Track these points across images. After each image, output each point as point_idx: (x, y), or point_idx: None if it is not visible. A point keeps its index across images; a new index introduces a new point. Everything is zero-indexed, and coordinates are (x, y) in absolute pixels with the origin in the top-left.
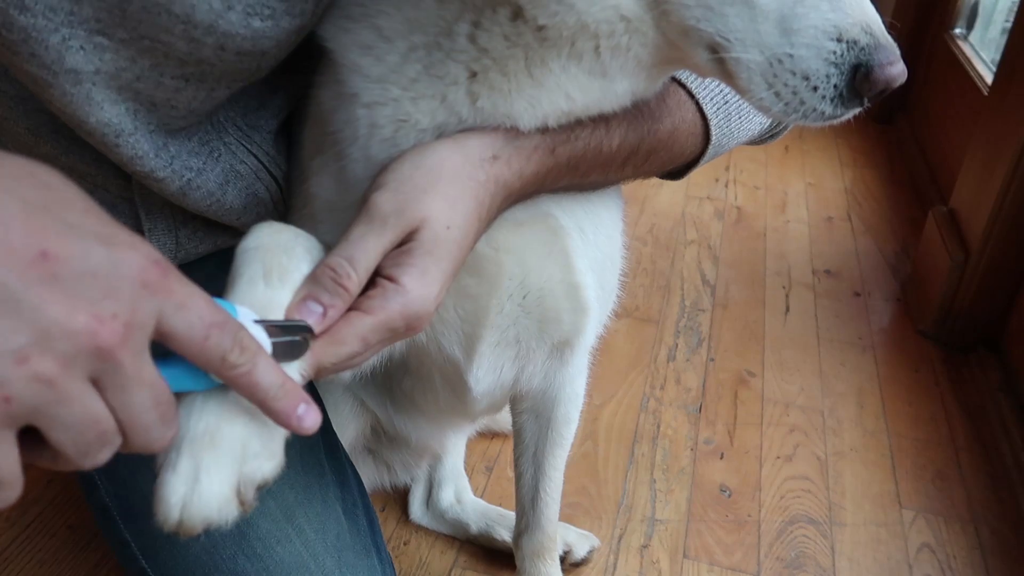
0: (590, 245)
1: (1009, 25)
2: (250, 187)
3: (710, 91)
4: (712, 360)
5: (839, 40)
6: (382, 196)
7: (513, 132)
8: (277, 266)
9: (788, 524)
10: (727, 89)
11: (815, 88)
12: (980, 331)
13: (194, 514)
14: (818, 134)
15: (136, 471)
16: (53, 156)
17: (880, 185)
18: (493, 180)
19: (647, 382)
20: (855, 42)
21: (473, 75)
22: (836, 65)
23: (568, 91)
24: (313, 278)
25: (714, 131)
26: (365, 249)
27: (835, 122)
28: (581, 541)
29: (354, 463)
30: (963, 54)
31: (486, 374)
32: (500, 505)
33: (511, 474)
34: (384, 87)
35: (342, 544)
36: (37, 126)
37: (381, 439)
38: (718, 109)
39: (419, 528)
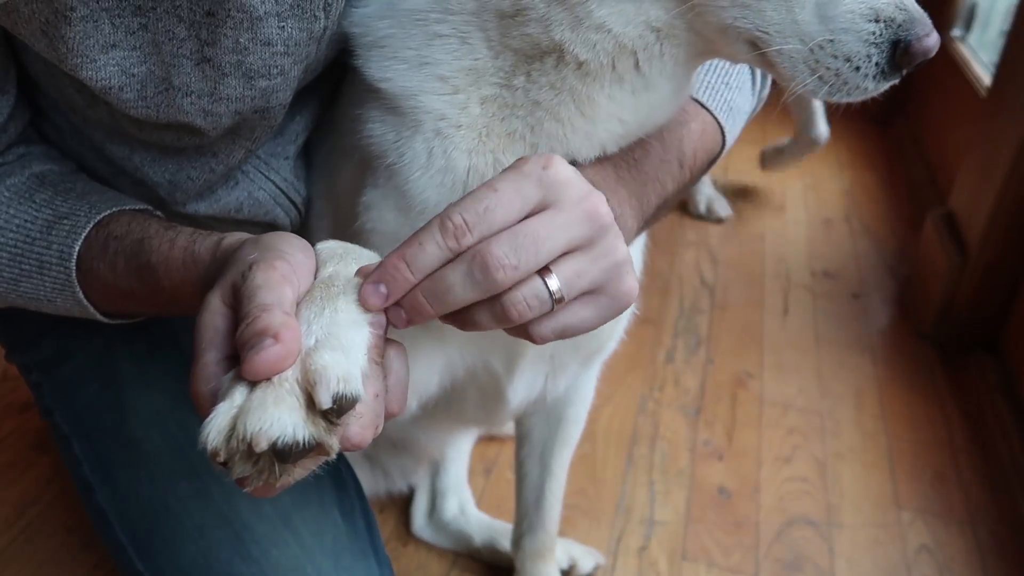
0: (634, 250)
1: (1007, 27)
2: (268, 213)
3: (706, 86)
4: (711, 362)
5: (876, 20)
6: None
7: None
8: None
9: (787, 525)
10: (719, 84)
11: (857, 68)
12: (979, 333)
13: (250, 428)
14: None
15: (132, 475)
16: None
17: (879, 187)
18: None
19: (645, 383)
20: (892, 20)
21: (531, 129)
22: (876, 45)
23: (620, 116)
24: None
25: (724, 125)
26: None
27: (875, 94)
28: (586, 557)
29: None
30: (961, 56)
31: (523, 387)
32: (499, 507)
33: (509, 476)
34: (463, 133)
35: (339, 547)
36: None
37: (381, 445)
38: (720, 107)
39: None
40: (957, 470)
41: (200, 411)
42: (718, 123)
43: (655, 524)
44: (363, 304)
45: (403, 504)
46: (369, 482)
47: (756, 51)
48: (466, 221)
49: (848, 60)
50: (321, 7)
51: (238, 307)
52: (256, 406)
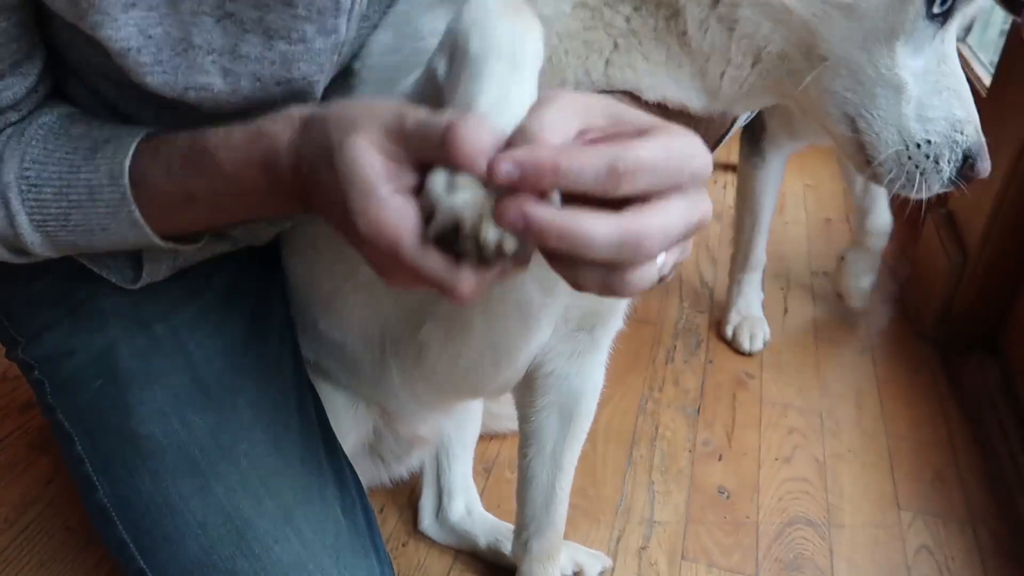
0: None
1: (1007, 27)
2: None
3: None
4: (711, 362)
5: (962, 132)
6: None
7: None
8: (518, 50)
9: (786, 526)
10: None
11: (940, 171)
12: (979, 333)
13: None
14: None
15: (134, 473)
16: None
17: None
18: None
19: (645, 383)
20: (970, 136)
21: (616, 47)
22: (956, 153)
23: (688, 92)
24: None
25: None
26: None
27: (929, 196)
28: (592, 561)
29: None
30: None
31: (545, 327)
32: (499, 507)
33: (509, 476)
34: (549, 30)
35: (340, 544)
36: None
37: (382, 436)
38: None
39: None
40: (957, 470)
41: (380, 237)
42: None
43: (655, 524)
44: (489, 173)
45: (404, 503)
46: (370, 472)
47: (851, 126)
48: (631, 172)
49: (936, 161)
50: None
51: (413, 140)
52: None
